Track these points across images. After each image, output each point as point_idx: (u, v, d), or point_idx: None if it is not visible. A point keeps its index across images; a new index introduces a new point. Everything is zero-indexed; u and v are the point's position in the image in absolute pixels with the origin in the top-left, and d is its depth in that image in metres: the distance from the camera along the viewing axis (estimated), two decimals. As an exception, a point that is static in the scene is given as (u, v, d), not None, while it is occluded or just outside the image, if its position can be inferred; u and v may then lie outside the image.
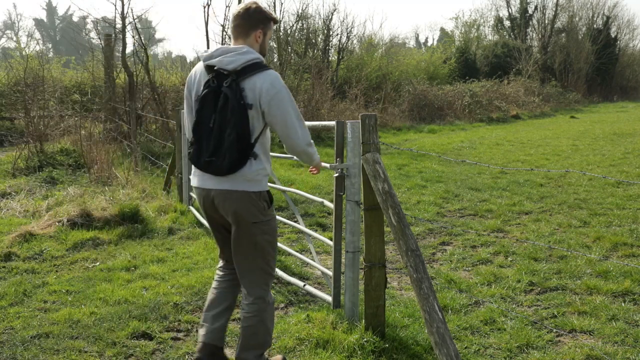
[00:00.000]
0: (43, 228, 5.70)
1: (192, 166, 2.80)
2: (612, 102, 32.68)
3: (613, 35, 36.11)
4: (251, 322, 2.84)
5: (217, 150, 2.63)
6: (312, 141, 2.82)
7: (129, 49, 12.10)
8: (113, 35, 11.67)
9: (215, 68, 2.67)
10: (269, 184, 4.16)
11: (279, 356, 3.14)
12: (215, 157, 2.64)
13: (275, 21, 2.91)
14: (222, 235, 2.94)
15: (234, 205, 2.71)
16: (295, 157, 2.92)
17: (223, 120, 2.61)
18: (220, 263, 3.07)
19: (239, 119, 2.61)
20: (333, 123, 3.71)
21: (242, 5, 2.82)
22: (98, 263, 4.98)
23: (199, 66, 2.80)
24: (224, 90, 2.62)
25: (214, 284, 3.04)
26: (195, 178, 2.82)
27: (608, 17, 35.72)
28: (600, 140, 13.83)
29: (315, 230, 6.05)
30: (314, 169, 3.19)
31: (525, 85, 26.72)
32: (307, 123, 4.04)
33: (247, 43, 2.78)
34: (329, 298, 3.86)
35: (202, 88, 2.71)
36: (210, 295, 3.01)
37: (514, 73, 28.32)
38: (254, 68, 2.66)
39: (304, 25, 19.92)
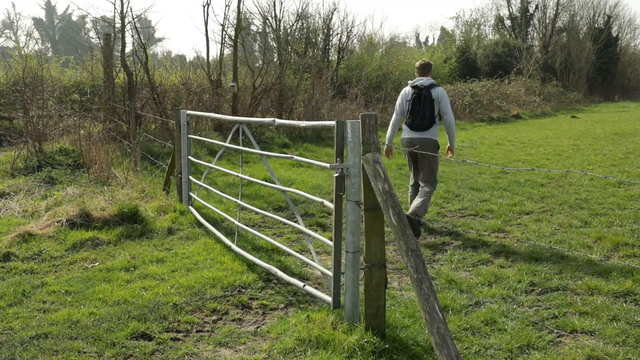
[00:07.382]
0: (42, 228, 5.69)
1: (405, 127, 6.02)
2: (614, 102, 32.63)
3: (614, 35, 36.04)
4: (424, 197, 5.83)
5: (423, 119, 5.86)
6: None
7: (128, 48, 12.07)
8: (112, 34, 11.63)
9: (419, 86, 5.93)
10: (268, 183, 5.27)
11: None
12: (422, 121, 5.86)
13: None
14: (414, 165, 6.11)
15: (426, 146, 5.80)
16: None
17: (424, 107, 5.86)
18: (412, 182, 6.21)
19: (431, 105, 5.87)
20: (333, 123, 3.70)
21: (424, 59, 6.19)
22: (97, 263, 4.96)
23: (408, 88, 6.03)
24: (424, 93, 5.89)
25: (411, 191, 6.19)
26: (407, 133, 6.00)
27: (609, 17, 35.65)
28: (601, 140, 13.82)
29: (315, 231, 6.03)
30: (449, 153, 6.10)
31: (526, 85, 26.70)
32: (307, 123, 4.13)
33: (428, 75, 6.05)
34: (329, 298, 3.84)
35: (410, 95, 5.95)
36: (411, 196, 6.17)
37: (514, 72, 28.29)
38: (433, 85, 5.96)
39: (304, 25, 19.88)
